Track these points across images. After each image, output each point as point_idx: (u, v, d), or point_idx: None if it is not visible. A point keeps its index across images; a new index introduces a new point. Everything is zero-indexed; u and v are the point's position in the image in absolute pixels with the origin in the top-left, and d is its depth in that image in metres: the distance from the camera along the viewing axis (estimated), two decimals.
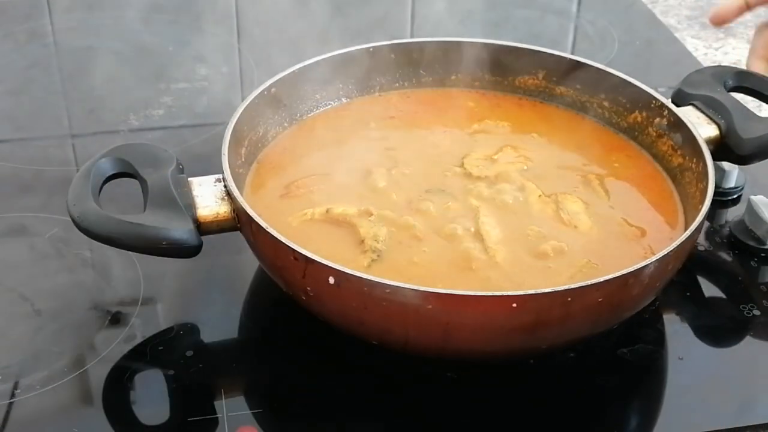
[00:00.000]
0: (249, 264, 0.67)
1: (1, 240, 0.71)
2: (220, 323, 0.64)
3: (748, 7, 0.72)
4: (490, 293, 0.53)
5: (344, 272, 0.54)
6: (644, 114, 0.72)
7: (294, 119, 0.74)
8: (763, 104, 0.75)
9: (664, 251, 0.56)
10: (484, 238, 0.62)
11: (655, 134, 0.71)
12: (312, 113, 0.75)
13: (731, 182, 0.76)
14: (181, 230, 0.58)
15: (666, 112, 0.70)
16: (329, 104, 0.76)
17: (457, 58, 0.78)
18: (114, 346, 0.62)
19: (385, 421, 0.59)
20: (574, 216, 0.65)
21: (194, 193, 0.61)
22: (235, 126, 0.65)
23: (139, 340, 0.62)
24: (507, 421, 0.59)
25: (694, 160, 0.67)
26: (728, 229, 0.73)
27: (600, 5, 1.11)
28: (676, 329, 0.65)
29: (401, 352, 0.59)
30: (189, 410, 0.58)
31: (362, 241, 0.62)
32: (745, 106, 0.71)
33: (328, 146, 0.72)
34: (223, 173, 0.61)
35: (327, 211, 0.64)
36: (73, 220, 0.58)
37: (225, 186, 0.61)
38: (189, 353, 0.61)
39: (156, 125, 0.85)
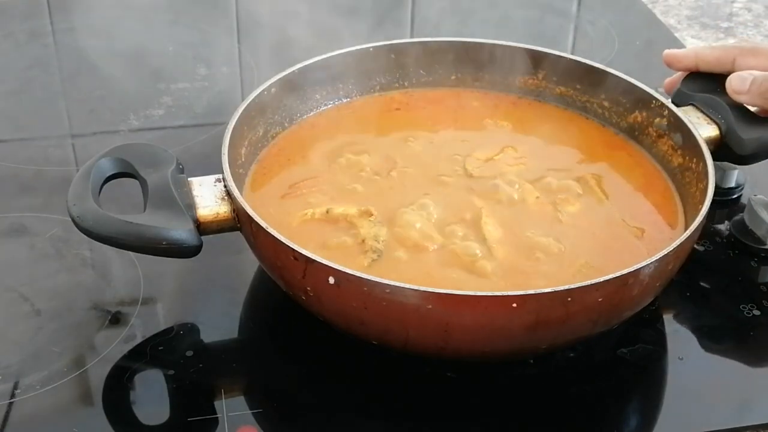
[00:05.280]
0: (249, 264, 0.67)
1: (1, 240, 0.71)
2: (220, 323, 0.64)
3: (697, 69, 0.74)
4: (490, 293, 0.53)
5: (344, 272, 0.54)
6: (644, 114, 0.72)
7: (294, 119, 0.74)
8: None
9: (664, 251, 0.56)
10: (486, 238, 0.62)
11: (655, 134, 0.71)
12: (312, 113, 0.75)
13: (731, 182, 0.76)
14: (181, 230, 0.58)
15: (666, 112, 0.70)
16: (329, 104, 0.76)
17: (458, 58, 0.78)
18: (114, 346, 0.62)
19: (385, 421, 0.59)
20: (574, 216, 0.65)
21: (194, 193, 0.61)
22: (235, 126, 0.65)
23: (139, 340, 0.62)
24: (506, 421, 0.59)
25: (694, 160, 0.67)
26: (728, 229, 0.73)
27: (600, 5, 1.11)
28: (676, 329, 0.65)
29: (401, 352, 0.59)
30: (189, 410, 0.58)
31: (363, 241, 0.62)
32: (745, 106, 0.71)
33: (328, 146, 0.72)
34: (223, 173, 0.61)
35: (327, 211, 0.64)
36: (73, 220, 0.58)
37: (225, 186, 0.61)
38: (189, 353, 0.61)
39: (156, 125, 0.85)
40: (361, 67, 0.77)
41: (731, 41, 1.05)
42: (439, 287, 0.53)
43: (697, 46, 0.99)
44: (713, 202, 0.61)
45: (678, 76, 0.75)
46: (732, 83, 0.70)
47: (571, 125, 0.76)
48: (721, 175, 0.76)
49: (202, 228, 0.60)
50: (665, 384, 0.62)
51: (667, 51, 0.75)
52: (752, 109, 0.71)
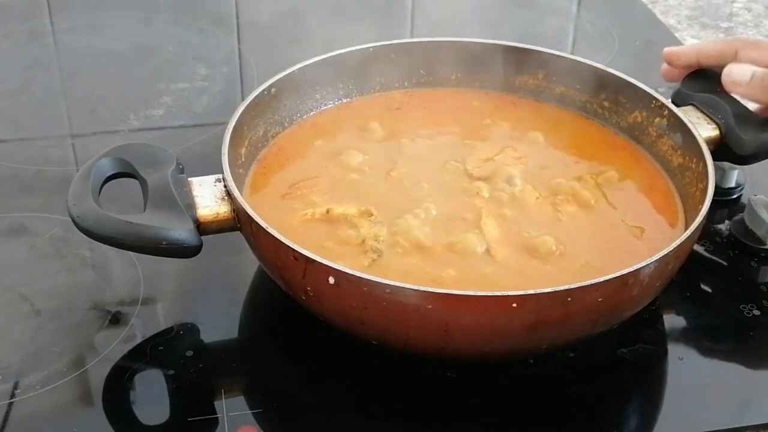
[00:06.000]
0: (249, 264, 0.67)
1: (1, 240, 0.71)
2: (220, 323, 0.64)
3: (699, 65, 0.73)
4: (490, 293, 0.53)
5: (344, 272, 0.54)
6: (644, 114, 0.72)
7: (294, 119, 0.74)
8: None
9: (664, 251, 0.56)
10: (486, 238, 0.62)
11: (655, 134, 0.71)
12: (312, 113, 0.75)
13: (731, 182, 0.76)
14: (181, 230, 0.58)
15: (666, 112, 0.70)
16: (329, 104, 0.76)
17: (458, 58, 0.78)
18: (114, 346, 0.62)
19: (386, 421, 0.59)
20: (573, 216, 0.65)
21: (194, 193, 0.61)
22: (235, 126, 0.65)
23: (139, 340, 0.62)
24: (507, 421, 0.59)
25: (694, 160, 0.67)
26: (728, 229, 0.73)
27: (600, 5, 1.11)
28: (676, 329, 0.65)
29: (401, 352, 0.59)
30: (189, 410, 0.58)
31: (363, 241, 0.62)
32: (745, 106, 0.71)
33: (327, 146, 0.72)
34: (223, 173, 0.61)
35: (327, 211, 0.64)
36: (73, 220, 0.58)
37: (225, 186, 0.61)
38: (189, 353, 0.61)
39: (156, 125, 0.85)
40: (361, 67, 0.76)
41: None
42: (439, 287, 0.53)
43: (696, 42, 1.00)
44: (713, 202, 0.61)
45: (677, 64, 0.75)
46: (732, 73, 0.69)
47: (571, 125, 0.76)
48: (721, 175, 0.76)
49: (202, 228, 0.60)
50: (665, 384, 0.62)
51: (666, 49, 0.75)
52: (750, 106, 0.70)
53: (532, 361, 0.62)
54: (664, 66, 0.76)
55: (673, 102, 0.72)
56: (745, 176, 0.77)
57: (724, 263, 0.71)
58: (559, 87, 0.77)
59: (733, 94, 0.70)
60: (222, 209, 0.61)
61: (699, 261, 0.70)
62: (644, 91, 0.72)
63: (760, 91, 0.68)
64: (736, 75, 0.69)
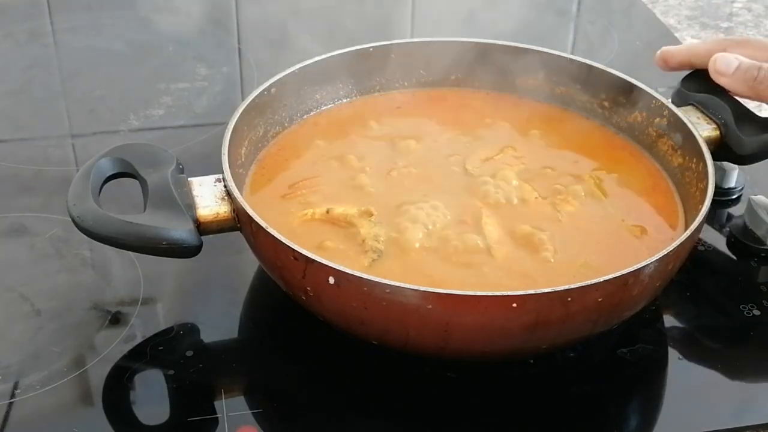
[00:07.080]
0: (249, 264, 0.67)
1: (1, 240, 0.71)
2: (220, 323, 0.64)
3: (691, 65, 0.74)
4: (490, 293, 0.53)
5: (344, 272, 0.54)
6: (644, 114, 0.72)
7: (294, 119, 0.74)
8: (763, 104, 0.75)
9: (664, 251, 0.56)
10: (486, 238, 0.62)
11: (655, 134, 0.72)
12: (312, 113, 0.75)
13: (731, 182, 0.76)
14: (181, 230, 0.58)
15: (666, 112, 0.70)
16: (329, 104, 0.76)
17: (458, 58, 0.78)
18: (114, 346, 0.62)
19: (386, 421, 0.59)
20: (573, 216, 0.65)
21: (194, 193, 0.61)
22: (235, 126, 0.65)
23: (139, 340, 0.62)
24: (507, 421, 0.59)
25: (694, 160, 0.67)
26: (728, 229, 0.73)
27: (600, 5, 1.11)
28: (676, 329, 0.65)
29: (401, 352, 0.59)
30: (189, 410, 0.58)
31: (363, 241, 0.62)
32: (745, 106, 0.71)
33: (327, 146, 0.72)
34: (223, 173, 0.61)
35: (327, 211, 0.64)
36: (73, 220, 0.58)
37: (225, 186, 0.61)
38: (189, 353, 0.61)
39: (156, 125, 0.85)
40: (361, 67, 0.76)
41: None
42: (439, 287, 0.53)
43: (690, 42, 1.00)
44: (713, 202, 0.61)
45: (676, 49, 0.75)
46: (717, 63, 0.69)
47: (571, 125, 0.76)
48: (721, 175, 0.76)
49: (202, 228, 0.60)
50: (665, 384, 0.62)
51: (663, 48, 0.75)
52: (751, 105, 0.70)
53: (532, 361, 0.62)
54: (660, 64, 0.76)
55: (673, 102, 0.72)
56: (745, 176, 0.77)
57: (724, 263, 0.71)
58: (559, 87, 0.77)
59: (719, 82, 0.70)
60: (222, 209, 0.61)
61: (699, 261, 0.70)
62: (644, 91, 0.72)
63: (743, 83, 0.68)
64: (720, 64, 0.69)
